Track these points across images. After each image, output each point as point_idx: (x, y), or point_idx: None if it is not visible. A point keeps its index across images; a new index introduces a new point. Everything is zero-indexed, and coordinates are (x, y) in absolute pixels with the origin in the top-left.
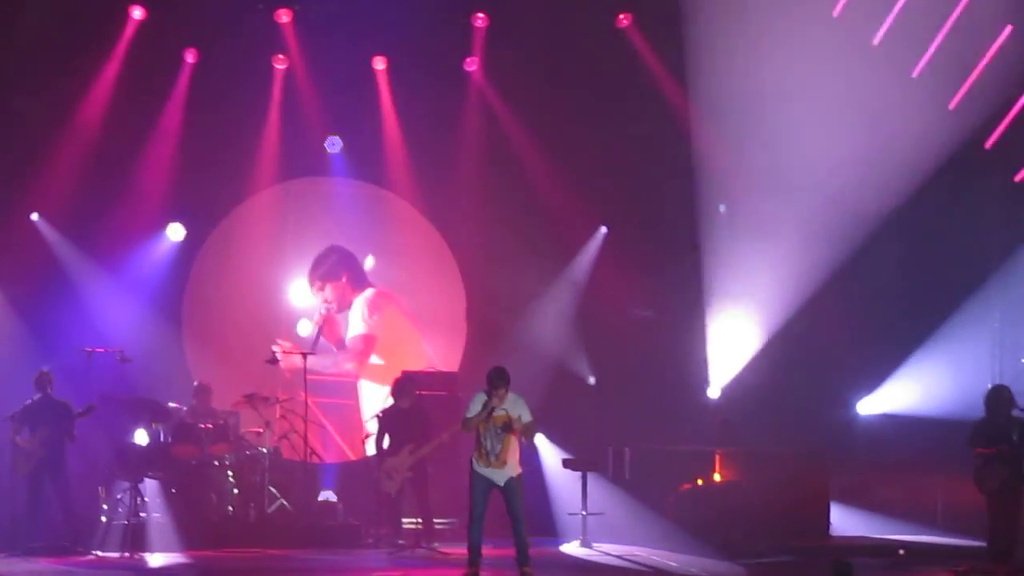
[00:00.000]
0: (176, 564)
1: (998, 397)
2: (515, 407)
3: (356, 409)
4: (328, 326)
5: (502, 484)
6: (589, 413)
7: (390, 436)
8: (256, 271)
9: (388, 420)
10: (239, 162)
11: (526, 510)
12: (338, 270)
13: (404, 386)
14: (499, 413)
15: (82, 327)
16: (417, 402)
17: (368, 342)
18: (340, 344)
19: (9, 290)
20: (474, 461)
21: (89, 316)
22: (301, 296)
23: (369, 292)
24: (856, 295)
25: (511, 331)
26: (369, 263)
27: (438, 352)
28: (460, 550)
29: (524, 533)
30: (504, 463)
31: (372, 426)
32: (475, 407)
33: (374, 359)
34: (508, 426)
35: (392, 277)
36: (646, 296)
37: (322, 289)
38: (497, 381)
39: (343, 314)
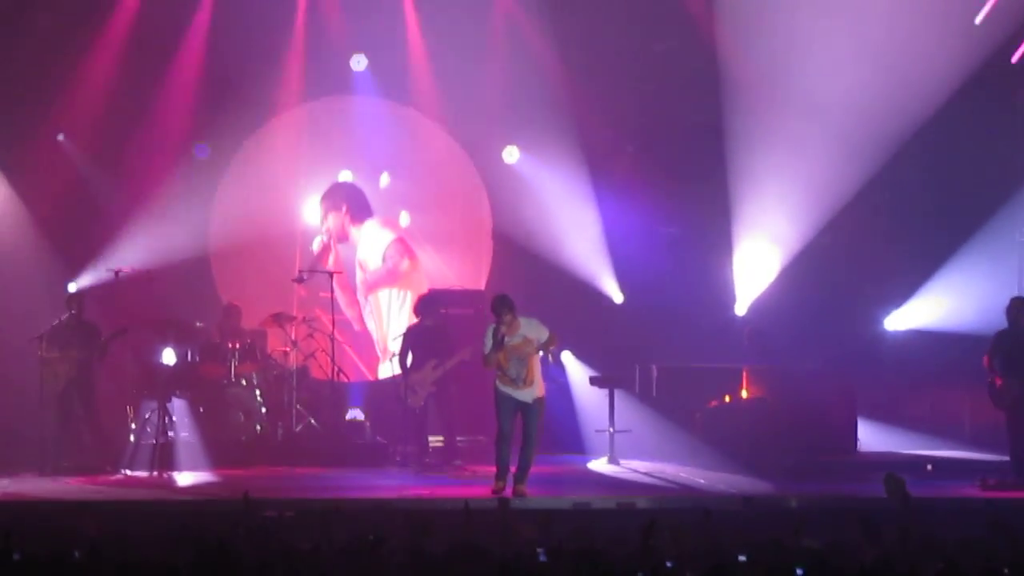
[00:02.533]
0: (204, 483)
1: (1019, 308)
2: (530, 329)
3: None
4: (324, 255)
5: (529, 402)
6: (616, 331)
7: (414, 353)
8: (281, 190)
9: (412, 337)
10: (264, 81)
11: (553, 427)
12: (339, 200)
13: (429, 304)
14: (515, 341)
15: (109, 247)
16: (441, 320)
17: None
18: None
19: (36, 211)
20: (498, 383)
21: (115, 236)
22: (317, 215)
23: (372, 224)
24: (882, 211)
25: (537, 250)
26: (384, 181)
27: (464, 270)
28: (484, 467)
29: (532, 453)
30: (531, 383)
31: (395, 345)
32: (489, 340)
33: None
34: (542, 347)
35: (416, 195)
36: (673, 214)
37: (324, 218)
38: (500, 309)
39: (343, 245)
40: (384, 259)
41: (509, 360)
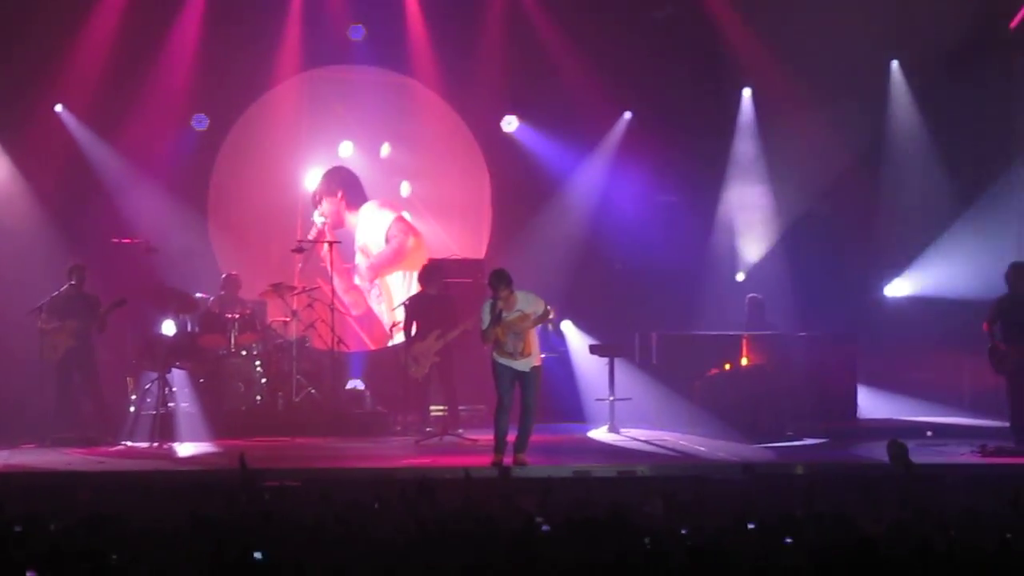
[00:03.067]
0: (204, 453)
1: (1019, 273)
2: (527, 303)
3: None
4: (319, 241)
5: (527, 371)
6: (616, 299)
7: (417, 323)
8: (280, 160)
9: (415, 307)
10: (262, 51)
11: (553, 396)
12: (334, 187)
13: (432, 273)
14: (512, 316)
15: (108, 219)
16: (444, 289)
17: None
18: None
19: (34, 183)
20: (495, 355)
21: (114, 208)
22: (316, 182)
23: (369, 207)
24: (883, 177)
25: (536, 218)
26: (384, 151)
27: (463, 239)
28: (485, 436)
29: (531, 422)
30: (528, 355)
31: (399, 314)
32: (484, 318)
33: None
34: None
35: (416, 165)
36: (672, 181)
37: (319, 204)
38: (498, 284)
39: (340, 231)
40: (388, 239)
41: (507, 335)
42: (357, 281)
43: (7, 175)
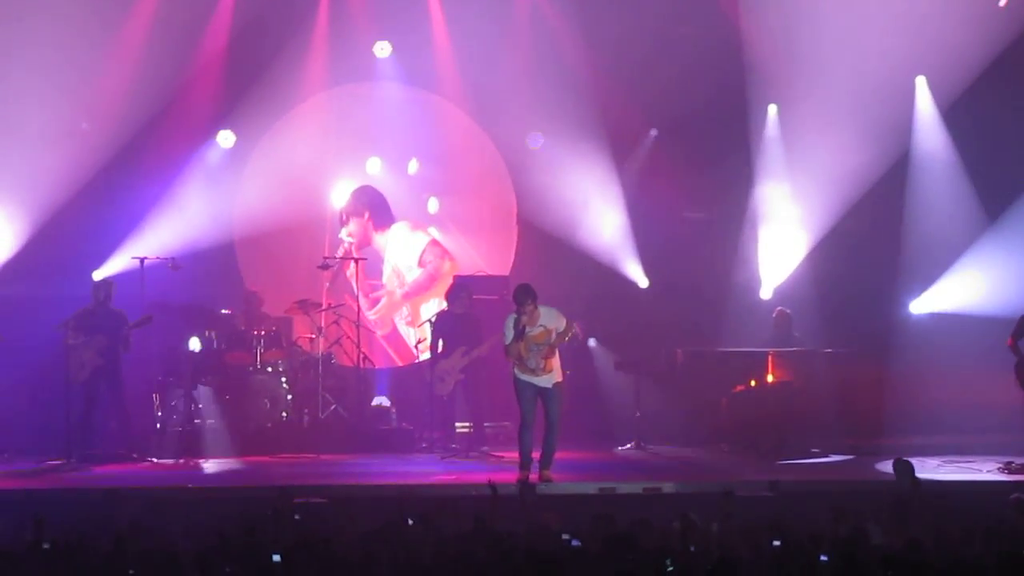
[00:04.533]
0: (231, 470)
1: None
2: (550, 319)
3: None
4: (344, 265)
5: (549, 387)
6: (642, 315)
7: (443, 340)
8: (307, 177)
9: (441, 324)
10: (288, 68)
11: (580, 412)
12: (361, 208)
13: (458, 291)
14: (535, 331)
15: (134, 236)
16: (470, 307)
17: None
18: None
19: (61, 200)
20: (517, 372)
21: (141, 225)
22: (343, 200)
23: (401, 228)
24: (908, 193)
25: (562, 234)
26: (412, 167)
27: (490, 256)
28: (511, 453)
29: (555, 439)
30: (550, 371)
31: (425, 331)
32: (509, 331)
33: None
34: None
35: (444, 181)
36: (698, 198)
37: (346, 223)
38: (523, 299)
39: (367, 250)
40: (422, 263)
41: (529, 350)
42: (383, 301)
43: (34, 191)
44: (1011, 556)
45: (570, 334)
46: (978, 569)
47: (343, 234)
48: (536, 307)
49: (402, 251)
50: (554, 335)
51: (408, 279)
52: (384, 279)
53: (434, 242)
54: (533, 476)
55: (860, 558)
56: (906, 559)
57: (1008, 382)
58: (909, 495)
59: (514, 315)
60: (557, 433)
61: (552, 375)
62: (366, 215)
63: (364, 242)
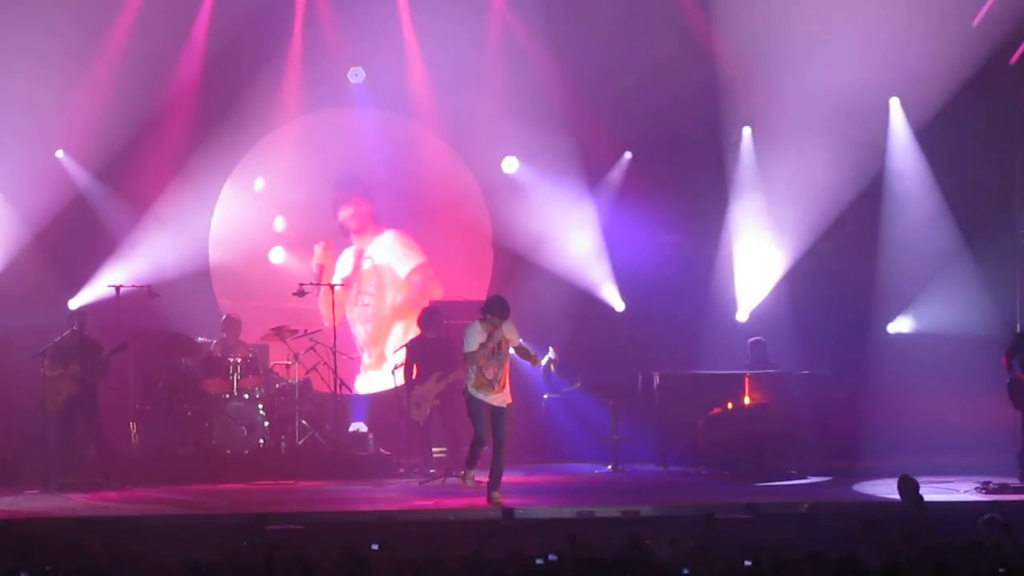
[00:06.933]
0: (208, 497)
1: None
2: (510, 331)
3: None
4: (327, 264)
5: (503, 407)
6: (618, 339)
7: (418, 366)
8: (281, 204)
9: (416, 350)
10: (263, 94)
11: (556, 435)
12: (365, 192)
13: (431, 316)
14: (494, 341)
15: (109, 263)
16: (444, 332)
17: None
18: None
19: (36, 227)
20: (473, 390)
21: (116, 252)
22: (321, 227)
23: (399, 236)
24: (884, 214)
25: (537, 258)
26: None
27: (464, 281)
28: (487, 478)
29: (503, 460)
30: (503, 387)
31: (400, 357)
32: (473, 340)
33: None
34: (526, 354)
35: (416, 206)
36: (673, 221)
37: (344, 205)
38: (502, 312)
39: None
40: (409, 280)
41: (489, 360)
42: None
43: (7, 220)
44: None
45: (541, 362)
46: None
47: (343, 216)
48: (502, 320)
49: (395, 256)
50: (511, 347)
51: (388, 284)
52: (362, 271)
53: (427, 264)
54: (481, 500)
55: None
56: None
57: (983, 401)
58: (914, 514)
59: (479, 324)
60: (505, 454)
61: (504, 394)
62: (367, 204)
63: (362, 227)
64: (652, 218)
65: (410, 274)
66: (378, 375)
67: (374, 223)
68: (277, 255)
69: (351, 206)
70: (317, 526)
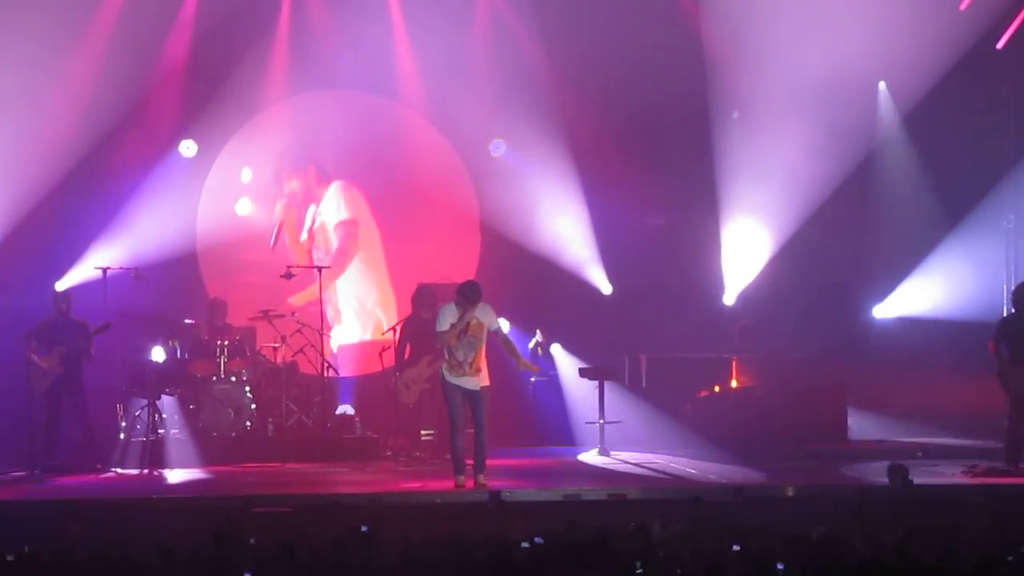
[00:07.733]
0: (195, 479)
1: None
2: (484, 314)
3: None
4: (288, 221)
5: (477, 390)
6: (605, 322)
7: (411, 345)
8: (267, 185)
9: (409, 330)
10: (249, 77)
11: (543, 419)
12: (304, 162)
13: (425, 297)
14: (467, 323)
15: (96, 246)
16: (436, 314)
17: (351, 227)
18: (296, 241)
19: (22, 209)
20: (446, 372)
21: (103, 234)
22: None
23: (337, 185)
24: (870, 198)
25: (525, 242)
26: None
27: (452, 263)
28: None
29: (485, 443)
30: (478, 371)
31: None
32: (445, 320)
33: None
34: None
35: (405, 189)
36: (661, 203)
37: (287, 180)
38: (475, 298)
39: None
40: (336, 235)
41: (459, 341)
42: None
43: None
44: (984, 558)
45: (523, 366)
46: (951, 572)
47: (287, 188)
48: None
49: (330, 207)
50: (486, 330)
51: (331, 237)
52: (312, 230)
53: (353, 220)
54: (469, 482)
55: (831, 563)
56: (884, 564)
57: (969, 384)
58: (902, 498)
59: (453, 305)
60: (486, 437)
61: (480, 378)
62: (311, 169)
63: (308, 198)
64: (639, 202)
65: (336, 227)
66: (341, 328)
67: (320, 185)
68: (243, 206)
69: (297, 180)
70: (303, 508)
